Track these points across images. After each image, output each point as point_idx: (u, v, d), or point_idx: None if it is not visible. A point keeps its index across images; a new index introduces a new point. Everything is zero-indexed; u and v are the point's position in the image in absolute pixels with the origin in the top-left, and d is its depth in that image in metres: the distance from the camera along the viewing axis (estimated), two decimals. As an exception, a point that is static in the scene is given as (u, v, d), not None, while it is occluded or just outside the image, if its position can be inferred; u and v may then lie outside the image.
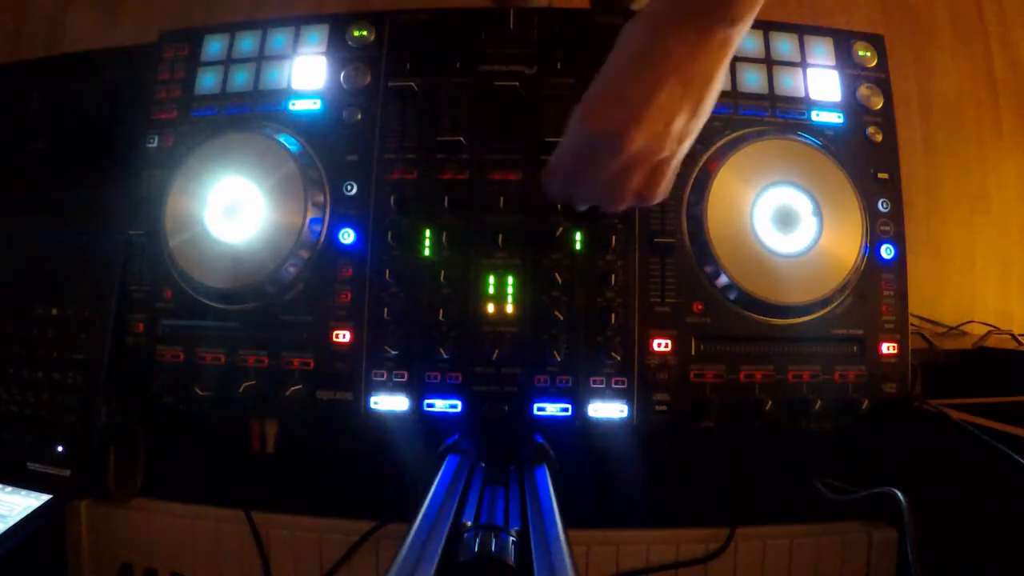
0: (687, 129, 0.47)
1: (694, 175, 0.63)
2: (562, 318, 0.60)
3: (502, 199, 0.62)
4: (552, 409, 0.60)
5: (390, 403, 0.61)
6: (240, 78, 0.67)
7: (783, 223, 0.62)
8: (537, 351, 0.60)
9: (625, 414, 0.60)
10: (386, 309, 0.61)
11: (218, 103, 0.67)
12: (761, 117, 0.65)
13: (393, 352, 0.61)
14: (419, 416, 0.61)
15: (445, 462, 0.50)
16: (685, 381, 0.61)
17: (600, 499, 0.65)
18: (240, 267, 0.61)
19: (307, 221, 0.61)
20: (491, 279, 0.61)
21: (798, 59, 0.67)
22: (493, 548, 0.35)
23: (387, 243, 0.62)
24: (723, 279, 0.61)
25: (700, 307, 0.62)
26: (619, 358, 0.60)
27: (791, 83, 0.66)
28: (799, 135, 0.64)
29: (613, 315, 0.60)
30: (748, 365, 0.62)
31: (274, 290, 0.62)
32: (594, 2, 1.09)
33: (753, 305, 0.61)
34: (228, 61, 0.68)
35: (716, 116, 0.64)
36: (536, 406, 0.60)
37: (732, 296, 0.62)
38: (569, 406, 0.60)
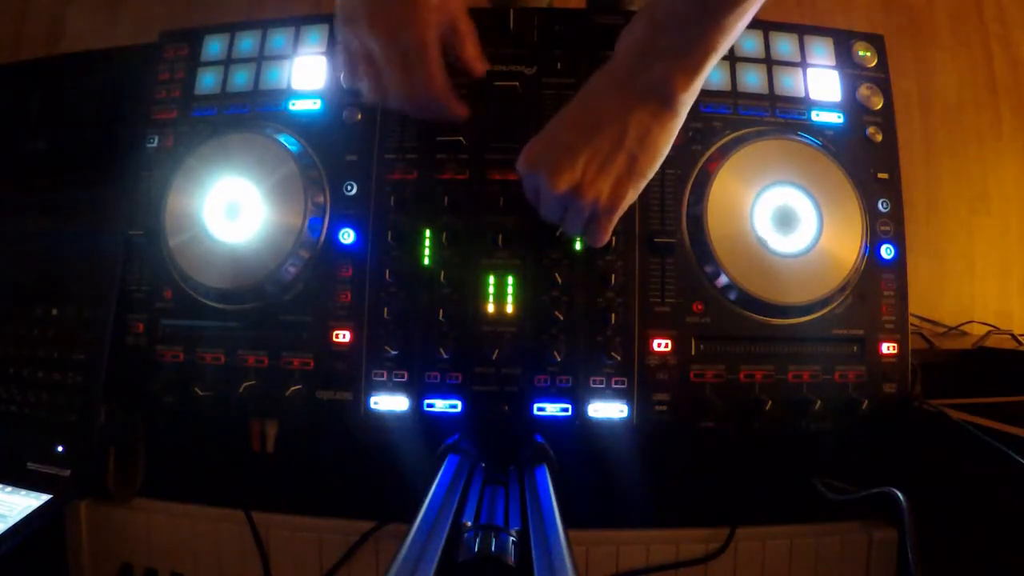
0: (621, 186, 0.50)
1: (694, 175, 0.63)
2: (562, 318, 0.60)
3: (502, 199, 0.62)
4: (552, 409, 0.60)
5: (390, 403, 0.61)
6: (240, 78, 0.67)
7: (783, 223, 0.62)
8: (537, 351, 0.60)
9: (625, 414, 0.60)
10: (386, 309, 0.61)
11: (218, 103, 0.67)
12: (761, 117, 0.65)
13: (393, 352, 0.60)
14: (419, 416, 0.60)
15: (445, 462, 0.50)
16: (685, 381, 0.61)
17: (600, 499, 0.65)
18: (240, 267, 0.61)
19: (307, 221, 0.61)
20: (491, 279, 0.61)
21: (798, 59, 0.67)
22: (493, 548, 0.35)
23: (387, 243, 0.62)
24: (723, 279, 0.61)
25: (700, 307, 0.62)
26: (619, 358, 0.60)
27: (791, 83, 0.66)
28: (799, 135, 0.64)
29: (613, 315, 0.60)
30: (748, 365, 0.61)
31: (274, 290, 0.62)
32: (591, 1, 1.09)
33: (753, 305, 0.61)
34: (228, 61, 0.68)
35: (716, 116, 0.65)
36: (536, 406, 0.60)
37: (732, 296, 0.62)
38: (569, 406, 0.60)
